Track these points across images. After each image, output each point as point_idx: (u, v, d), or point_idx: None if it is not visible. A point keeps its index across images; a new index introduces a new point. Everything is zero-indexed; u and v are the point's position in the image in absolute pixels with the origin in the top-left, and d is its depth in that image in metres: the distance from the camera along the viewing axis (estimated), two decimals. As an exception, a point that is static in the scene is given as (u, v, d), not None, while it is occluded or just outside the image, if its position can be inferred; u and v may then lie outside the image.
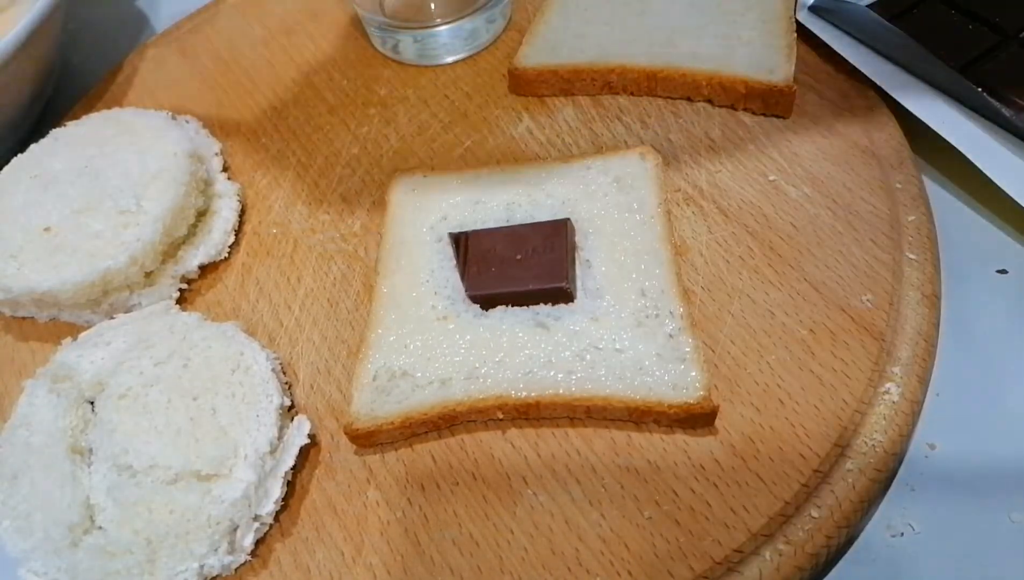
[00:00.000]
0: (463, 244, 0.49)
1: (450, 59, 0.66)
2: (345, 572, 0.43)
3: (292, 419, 0.47)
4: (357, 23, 0.71)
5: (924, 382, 0.44)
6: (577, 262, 0.49)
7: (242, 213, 0.60)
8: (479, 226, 0.51)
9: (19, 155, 0.59)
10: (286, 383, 0.50)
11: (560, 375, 0.44)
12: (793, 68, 0.56)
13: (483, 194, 0.53)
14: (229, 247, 0.58)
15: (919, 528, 0.43)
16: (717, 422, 0.43)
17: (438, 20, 0.65)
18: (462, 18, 0.64)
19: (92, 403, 0.48)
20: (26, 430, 0.45)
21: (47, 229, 0.53)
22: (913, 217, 0.49)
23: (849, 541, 0.42)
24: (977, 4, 0.56)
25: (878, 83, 0.55)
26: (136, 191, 0.55)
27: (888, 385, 0.43)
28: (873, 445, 0.41)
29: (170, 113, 0.62)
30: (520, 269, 0.47)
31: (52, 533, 0.42)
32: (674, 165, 0.55)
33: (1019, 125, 0.49)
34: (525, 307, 0.47)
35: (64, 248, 0.52)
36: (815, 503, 0.40)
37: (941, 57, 0.52)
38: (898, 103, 0.54)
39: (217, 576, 0.43)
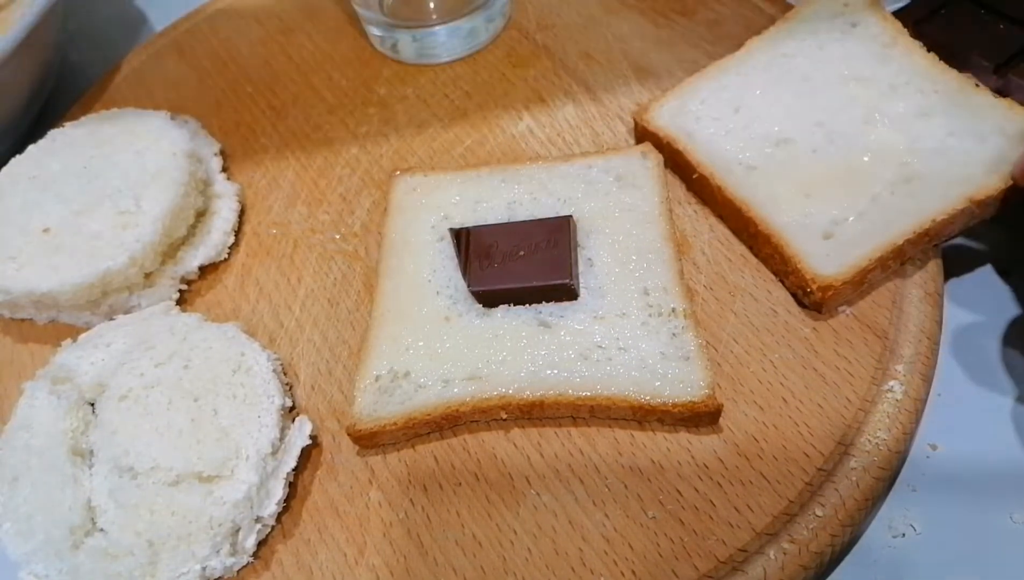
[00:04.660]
0: (464, 239, 0.49)
1: (449, 58, 0.66)
2: (348, 573, 0.42)
3: (293, 420, 0.47)
4: (356, 22, 0.71)
5: (927, 379, 0.44)
6: (579, 261, 0.49)
7: (241, 213, 0.60)
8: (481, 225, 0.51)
9: (17, 156, 0.59)
10: (287, 384, 0.50)
11: (564, 374, 0.44)
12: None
13: (484, 193, 0.53)
14: (229, 248, 0.58)
15: (920, 529, 0.43)
16: (720, 421, 0.43)
17: (437, 19, 0.64)
18: (461, 17, 0.64)
19: (92, 405, 0.47)
20: (26, 432, 0.45)
21: (46, 230, 0.53)
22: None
23: (852, 540, 0.42)
24: (1007, 3, 0.55)
25: None
26: (135, 192, 0.54)
27: (891, 383, 0.43)
28: (877, 443, 0.41)
29: (169, 113, 0.62)
30: (523, 265, 0.47)
31: (53, 535, 0.42)
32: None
33: None
34: (527, 306, 0.47)
35: (63, 249, 0.52)
36: (819, 502, 0.40)
37: (973, 58, 0.52)
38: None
39: (219, 578, 0.43)
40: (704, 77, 0.56)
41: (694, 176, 0.52)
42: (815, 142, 0.51)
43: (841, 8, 0.56)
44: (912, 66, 0.52)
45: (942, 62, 0.52)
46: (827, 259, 0.45)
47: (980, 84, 0.50)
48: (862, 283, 0.46)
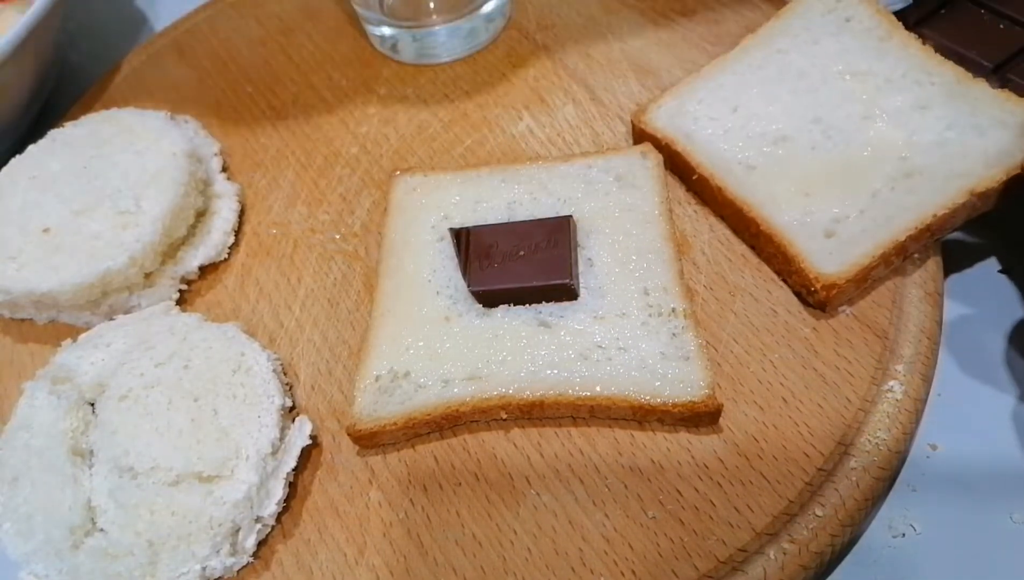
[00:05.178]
0: (464, 239, 0.49)
1: (449, 58, 0.66)
2: (348, 573, 0.42)
3: (293, 420, 0.47)
4: (356, 22, 0.71)
5: (927, 379, 0.44)
6: (579, 261, 0.49)
7: (241, 213, 0.60)
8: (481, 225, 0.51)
9: (17, 156, 0.59)
10: (287, 384, 0.50)
11: (564, 375, 0.44)
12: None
13: (484, 193, 0.53)
14: (229, 248, 0.58)
15: (920, 529, 0.43)
16: (720, 421, 0.43)
17: (437, 19, 0.64)
18: (461, 17, 0.64)
19: (92, 405, 0.47)
20: (26, 432, 0.45)
21: (46, 230, 0.53)
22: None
23: (852, 541, 0.42)
24: (1007, 3, 0.55)
25: None
26: (135, 192, 0.54)
27: (891, 383, 0.43)
28: (877, 443, 0.41)
29: (168, 113, 0.62)
30: (523, 265, 0.47)
31: (53, 535, 0.42)
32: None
33: None
34: (527, 306, 0.47)
35: (63, 249, 0.52)
36: (819, 502, 0.40)
37: (973, 58, 0.52)
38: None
39: (219, 578, 0.43)
40: (700, 77, 0.56)
41: (694, 177, 0.52)
42: (813, 139, 0.50)
43: (834, 3, 0.56)
44: (908, 59, 0.52)
45: (938, 54, 0.52)
46: (830, 258, 0.45)
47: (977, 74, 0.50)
48: (865, 280, 0.46)
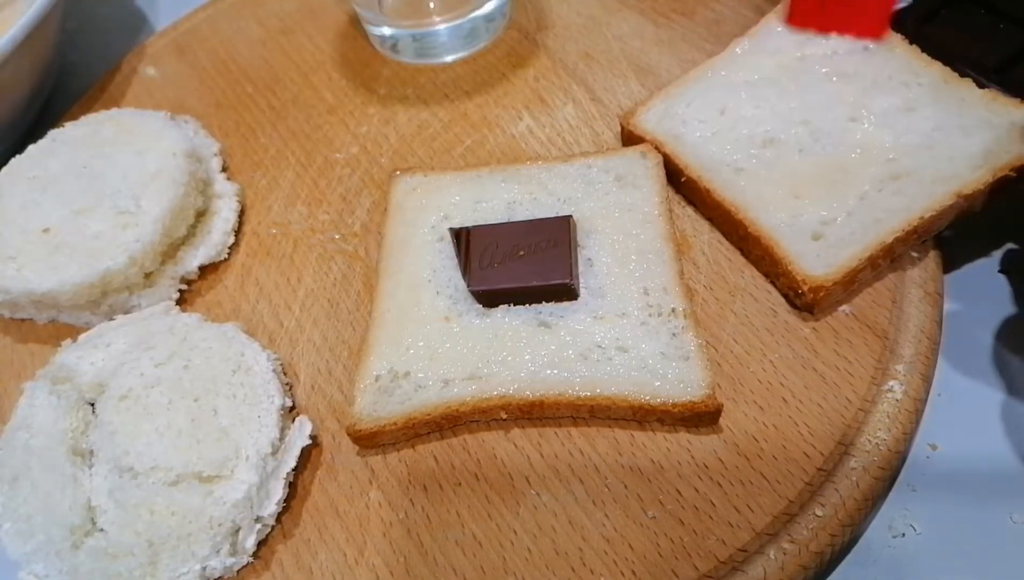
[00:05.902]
0: (464, 239, 0.48)
1: (449, 58, 0.66)
2: (347, 573, 0.42)
3: (293, 420, 0.47)
4: (356, 22, 0.71)
5: (927, 379, 0.44)
6: (579, 261, 0.49)
7: (241, 213, 0.60)
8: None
9: (17, 156, 0.59)
10: (287, 384, 0.50)
11: (564, 375, 0.44)
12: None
13: (484, 193, 0.53)
14: (229, 247, 0.58)
15: (920, 529, 0.43)
16: (720, 421, 0.43)
17: (437, 19, 0.64)
18: (461, 17, 0.64)
19: (92, 405, 0.47)
20: (26, 432, 0.45)
21: (46, 230, 0.53)
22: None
23: (852, 540, 0.42)
24: (1007, 3, 0.54)
25: None
26: (135, 192, 0.54)
27: (891, 383, 0.43)
28: (877, 443, 0.41)
29: (168, 113, 0.62)
30: (523, 265, 0.47)
31: (53, 535, 0.42)
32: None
33: None
34: (527, 306, 0.47)
35: (63, 249, 0.52)
36: (819, 502, 0.40)
37: (972, 58, 0.52)
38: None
39: (219, 578, 0.43)
40: (689, 79, 0.56)
41: (683, 179, 0.52)
42: (801, 141, 0.50)
43: None
44: (895, 60, 0.52)
45: (925, 54, 0.52)
46: (817, 260, 0.45)
47: (964, 75, 0.50)
48: (852, 283, 0.46)
